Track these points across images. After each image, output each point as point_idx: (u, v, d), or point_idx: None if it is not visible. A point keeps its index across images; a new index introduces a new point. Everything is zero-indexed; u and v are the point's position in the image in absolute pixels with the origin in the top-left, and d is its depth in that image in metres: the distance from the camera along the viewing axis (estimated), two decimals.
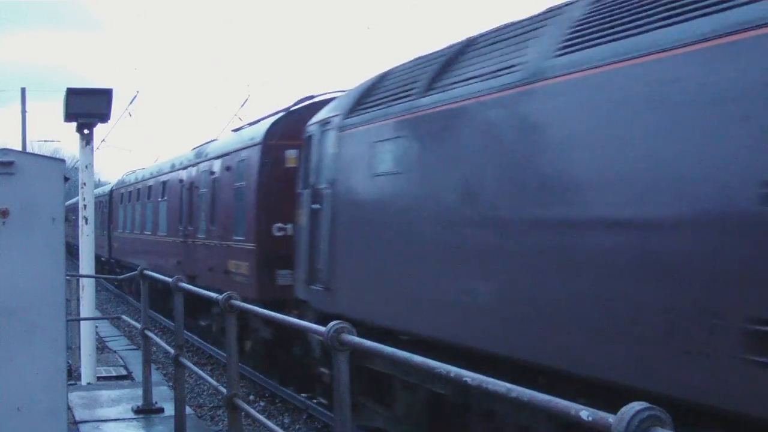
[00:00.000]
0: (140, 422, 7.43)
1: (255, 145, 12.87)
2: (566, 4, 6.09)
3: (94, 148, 11.73)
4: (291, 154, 11.95)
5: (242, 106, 42.98)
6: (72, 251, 25.03)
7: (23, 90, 36.21)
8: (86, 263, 11.57)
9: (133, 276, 9.08)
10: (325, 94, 12.39)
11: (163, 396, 8.20)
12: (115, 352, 15.72)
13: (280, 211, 11.90)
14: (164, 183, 19.49)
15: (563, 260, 5.17)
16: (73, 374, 11.35)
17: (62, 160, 5.63)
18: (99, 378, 11.60)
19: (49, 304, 5.22)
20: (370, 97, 8.53)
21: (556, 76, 5.37)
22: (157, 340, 8.13)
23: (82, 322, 11.54)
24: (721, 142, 4.16)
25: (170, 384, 9.42)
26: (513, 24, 6.75)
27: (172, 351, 7.05)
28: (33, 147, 47.61)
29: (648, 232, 4.54)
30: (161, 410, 7.70)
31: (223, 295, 5.41)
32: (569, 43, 5.45)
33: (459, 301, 6.28)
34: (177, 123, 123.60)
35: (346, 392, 3.68)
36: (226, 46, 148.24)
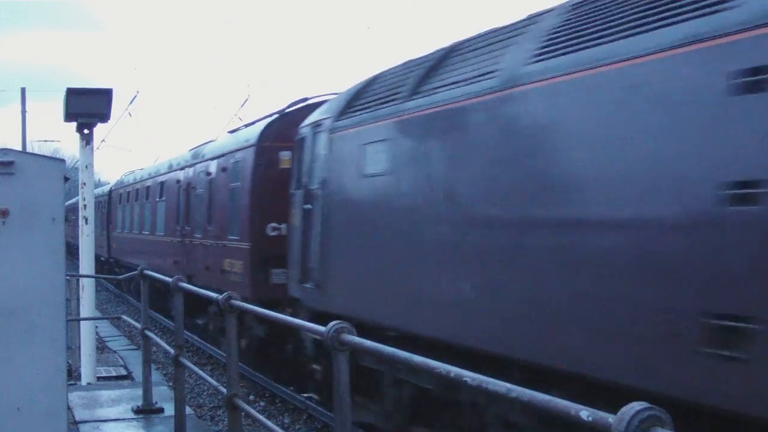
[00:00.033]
0: (140, 422, 7.42)
1: (249, 146, 13.11)
2: (545, 12, 6.35)
3: (94, 148, 11.72)
4: (285, 155, 12.16)
5: (242, 106, 43.03)
6: (72, 251, 25.06)
7: (23, 90, 36.26)
8: (86, 263, 11.57)
9: (133, 276, 9.09)
10: (318, 96, 12.63)
11: (163, 396, 8.20)
12: (115, 352, 15.67)
13: (274, 211, 12.13)
14: (162, 183, 19.69)
15: (528, 257, 5.49)
16: (73, 374, 11.35)
17: (62, 160, 5.62)
18: (99, 378, 11.59)
19: (49, 304, 5.22)
20: (359, 100, 8.76)
21: (530, 83, 5.64)
22: (157, 340, 8.12)
23: (82, 322, 11.52)
24: (681, 145, 4.38)
25: (170, 384, 9.42)
26: (494, 30, 7.01)
27: (172, 351, 7.05)
28: (33, 147, 47.63)
29: (613, 232, 4.80)
30: (161, 410, 7.70)
31: (223, 295, 5.41)
32: (542, 51, 5.71)
33: (443, 298, 6.51)
34: (177, 123, 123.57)
35: (346, 392, 3.68)
36: (226, 46, 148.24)
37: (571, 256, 5.12)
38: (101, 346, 15.48)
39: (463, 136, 6.41)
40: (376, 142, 7.79)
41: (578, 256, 5.07)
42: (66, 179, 5.40)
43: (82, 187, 11.55)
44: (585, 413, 2.11)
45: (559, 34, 5.69)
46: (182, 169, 17.67)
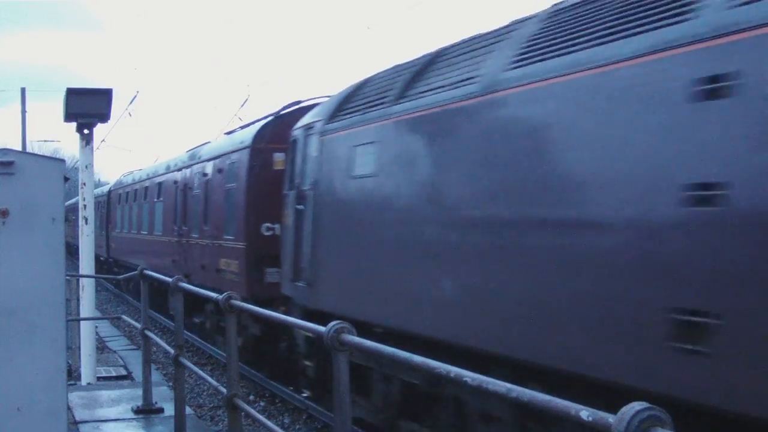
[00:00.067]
0: (140, 422, 7.42)
1: (244, 148, 13.32)
2: (527, 18, 6.57)
3: (94, 148, 11.72)
4: (278, 157, 12.35)
5: (242, 106, 43.19)
6: (72, 251, 25.07)
7: (23, 90, 36.21)
8: (86, 263, 11.57)
9: (133, 276, 9.11)
10: (311, 99, 12.83)
11: (163, 396, 8.19)
12: (115, 352, 15.69)
13: (268, 211, 12.30)
14: (160, 184, 19.90)
15: (505, 255, 5.76)
16: (73, 374, 11.36)
17: (62, 160, 5.62)
18: (99, 378, 11.59)
19: (49, 304, 5.21)
20: (349, 103, 8.98)
21: (508, 88, 5.87)
22: (157, 340, 8.12)
23: (82, 322, 11.52)
24: (648, 149, 4.61)
25: (170, 384, 9.42)
26: (478, 36, 7.24)
27: (172, 351, 7.05)
28: (33, 147, 47.60)
29: (584, 231, 5.05)
30: (161, 410, 7.70)
31: (224, 295, 5.41)
32: (521, 57, 5.95)
33: (426, 295, 6.74)
34: (177, 123, 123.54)
35: (346, 392, 3.69)
36: (226, 46, 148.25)
37: (546, 254, 5.34)
38: (101, 346, 15.48)
39: (447, 140, 6.63)
40: (364, 144, 8.00)
41: (551, 255, 5.29)
42: (66, 179, 5.40)
43: (82, 187, 11.54)
44: (585, 413, 2.12)
45: (536, 42, 5.92)
46: (179, 170, 17.89)
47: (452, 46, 7.72)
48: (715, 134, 4.20)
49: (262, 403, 11.63)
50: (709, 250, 4.19)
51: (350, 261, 8.22)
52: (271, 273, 12.20)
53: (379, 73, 9.12)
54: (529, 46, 5.95)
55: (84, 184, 11.48)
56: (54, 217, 5.22)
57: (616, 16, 5.19)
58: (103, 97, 11.13)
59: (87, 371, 11.09)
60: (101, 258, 27.70)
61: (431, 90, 7.11)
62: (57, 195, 5.28)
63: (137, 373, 12.05)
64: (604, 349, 4.84)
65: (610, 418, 2.02)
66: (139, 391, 7.99)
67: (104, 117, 11.25)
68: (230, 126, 21.32)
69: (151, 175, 21.53)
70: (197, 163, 16.43)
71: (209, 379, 6.35)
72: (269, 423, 4.97)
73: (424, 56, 8.12)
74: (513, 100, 5.81)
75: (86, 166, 11.49)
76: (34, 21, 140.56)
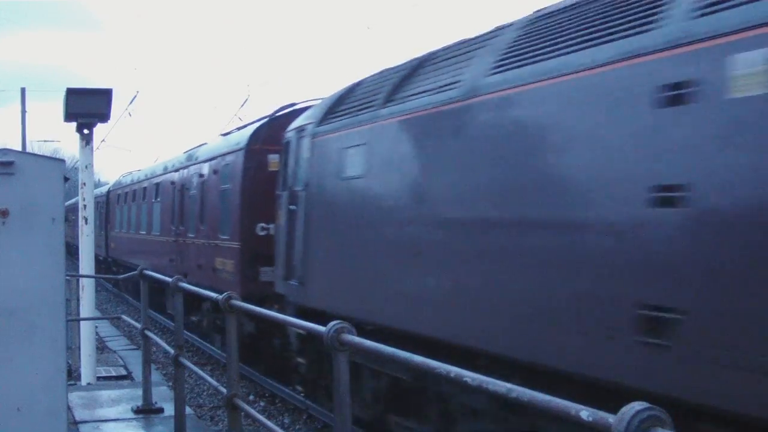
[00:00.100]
0: (140, 422, 7.43)
1: (239, 149, 13.55)
2: (509, 25, 6.78)
3: (94, 148, 11.75)
4: (273, 158, 12.51)
5: (242, 106, 43.21)
6: (71, 251, 25.08)
7: (23, 90, 36.25)
8: (86, 263, 11.59)
9: (133, 276, 9.12)
10: (305, 102, 13.03)
11: (163, 396, 8.21)
12: (115, 352, 15.72)
13: (263, 211, 12.50)
14: (158, 185, 20.09)
15: (486, 254, 5.95)
16: (73, 374, 11.38)
17: (62, 160, 5.62)
18: (99, 378, 11.62)
19: (49, 304, 5.22)
20: (339, 106, 9.20)
21: (487, 93, 6.09)
22: (157, 340, 8.13)
23: (81, 322, 11.55)
24: (616, 152, 4.81)
25: (170, 384, 9.43)
26: (462, 42, 7.46)
27: (172, 351, 7.06)
28: (33, 147, 47.61)
29: (559, 231, 5.25)
30: (161, 410, 7.71)
31: (223, 295, 5.42)
32: (500, 63, 6.16)
33: (412, 292, 6.95)
34: (177, 123, 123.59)
35: (346, 392, 3.69)
36: (226, 46, 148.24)
37: (519, 252, 5.56)
38: (101, 346, 15.50)
39: (432, 143, 6.86)
40: (354, 146, 8.21)
41: (525, 253, 5.51)
42: (66, 179, 5.41)
43: (81, 187, 11.57)
44: (585, 413, 2.12)
45: (514, 49, 6.13)
46: (177, 170, 18.08)
47: (438, 51, 7.94)
48: (678, 138, 4.41)
49: (262, 403, 11.65)
50: (672, 249, 4.40)
51: (340, 260, 8.43)
52: (265, 272, 12.40)
53: (368, 77, 9.34)
54: (507, 53, 6.16)
55: (84, 184, 11.50)
56: (54, 217, 5.23)
57: (587, 26, 5.40)
58: (103, 97, 11.16)
59: (87, 371, 11.11)
60: (100, 257, 27.75)
61: (417, 94, 7.32)
62: (57, 195, 5.28)
63: (137, 373, 12.07)
64: (577, 343, 5.02)
65: (610, 418, 2.03)
66: (139, 391, 8.00)
67: (104, 117, 11.27)
68: (230, 126, 21.37)
69: (149, 175, 21.71)
70: (194, 164, 16.63)
71: (209, 379, 6.36)
72: (269, 423, 4.97)
73: (411, 60, 8.33)
74: (491, 105, 6.02)
75: (86, 166, 11.51)
76: (34, 21, 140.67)
